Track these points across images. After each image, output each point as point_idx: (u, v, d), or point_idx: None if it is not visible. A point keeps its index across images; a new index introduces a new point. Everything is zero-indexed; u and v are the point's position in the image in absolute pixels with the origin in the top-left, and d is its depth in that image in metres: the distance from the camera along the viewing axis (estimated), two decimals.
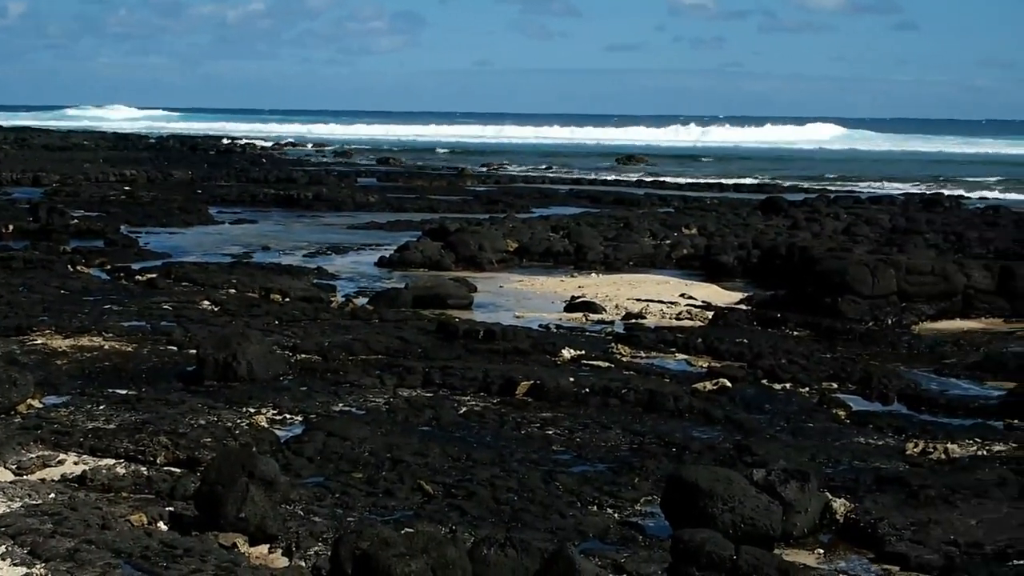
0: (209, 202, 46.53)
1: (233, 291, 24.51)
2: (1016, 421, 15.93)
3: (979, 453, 14.14)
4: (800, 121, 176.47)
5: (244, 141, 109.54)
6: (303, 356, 18.33)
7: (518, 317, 23.32)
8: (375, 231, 39.68)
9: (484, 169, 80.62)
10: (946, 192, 60.96)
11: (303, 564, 9.47)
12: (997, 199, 60.16)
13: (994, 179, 77.03)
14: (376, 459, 12.88)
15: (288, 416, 14.82)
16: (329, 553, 9.28)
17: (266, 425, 14.18)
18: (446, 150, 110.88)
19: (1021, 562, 10.49)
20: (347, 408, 15.32)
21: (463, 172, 73.99)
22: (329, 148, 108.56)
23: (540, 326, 22.08)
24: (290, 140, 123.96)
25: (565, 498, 11.79)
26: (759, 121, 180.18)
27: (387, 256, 31.64)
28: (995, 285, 25.19)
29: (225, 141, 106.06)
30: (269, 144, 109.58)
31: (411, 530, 9.32)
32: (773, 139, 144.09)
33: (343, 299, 24.78)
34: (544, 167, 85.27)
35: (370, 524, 10.40)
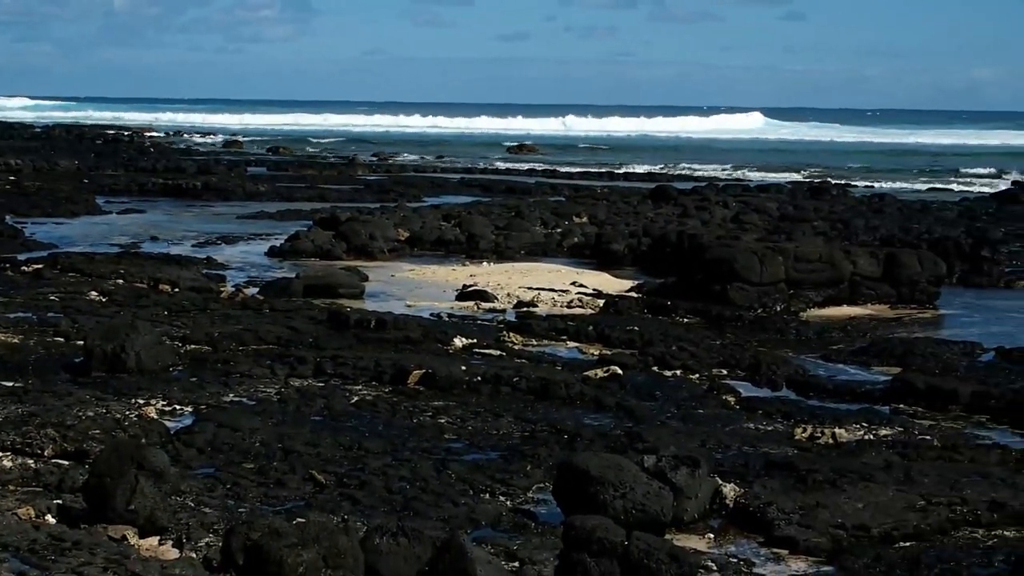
0: (96, 192, 45.86)
1: (121, 281, 24.21)
2: (902, 406, 16.18)
3: (866, 437, 14.33)
4: (686, 111, 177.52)
5: (132, 130, 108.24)
6: (193, 346, 18.18)
7: (410, 306, 23.28)
8: (265, 220, 39.42)
9: (375, 158, 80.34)
10: (833, 180, 61.65)
11: (194, 556, 9.38)
12: (883, 187, 60.97)
13: (876, 168, 77.99)
14: (267, 449, 12.80)
15: (178, 407, 14.69)
16: (220, 544, 9.22)
17: (155, 416, 14.03)
18: (337, 139, 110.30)
19: (906, 544, 10.66)
20: (238, 398, 15.21)
21: (354, 161, 73.67)
22: (219, 137, 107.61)
23: (432, 315, 22.07)
24: (179, 129, 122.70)
25: (457, 486, 11.79)
26: (649, 111, 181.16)
27: (277, 246, 31.43)
28: (881, 272, 25.53)
29: (111, 131, 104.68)
30: (158, 133, 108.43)
31: (302, 520, 9.27)
32: (676, 128, 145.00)
33: (233, 289, 24.58)
34: (436, 156, 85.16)
35: (261, 515, 10.35)
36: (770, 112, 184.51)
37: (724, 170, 74.60)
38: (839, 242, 31.46)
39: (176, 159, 66.38)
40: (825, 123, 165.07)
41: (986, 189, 59.65)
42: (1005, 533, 11.08)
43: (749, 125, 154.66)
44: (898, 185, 64.16)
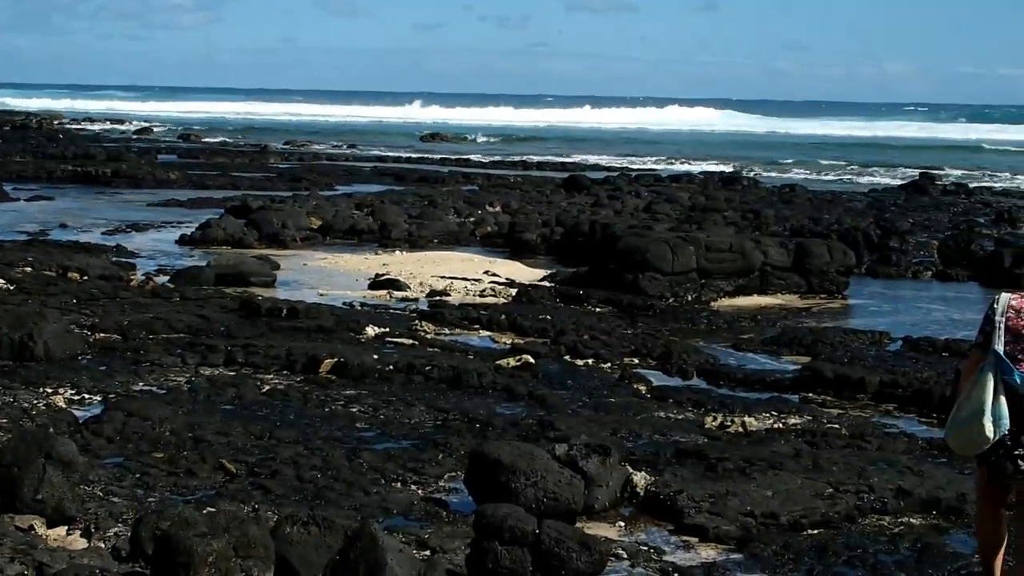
0: (3, 178, 45.29)
1: (29, 269, 23.92)
2: (810, 395, 16.33)
3: (775, 426, 14.46)
4: (599, 102, 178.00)
5: (41, 117, 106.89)
6: (102, 335, 18.01)
7: (322, 295, 23.20)
8: (176, 208, 39.15)
9: (287, 146, 79.95)
10: (744, 171, 62.09)
11: (102, 546, 9.30)
12: (792, 178, 61.46)
13: (786, 159, 78.62)
14: (177, 439, 12.70)
15: (87, 396, 14.55)
16: (129, 534, 9.16)
17: (64, 405, 13.90)
18: (250, 127, 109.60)
19: (815, 532, 10.76)
20: (148, 387, 15.10)
21: (266, 149, 73.32)
22: (129, 124, 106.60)
23: (344, 304, 22.02)
24: (89, 116, 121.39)
25: (369, 475, 11.77)
26: (564, 101, 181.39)
27: (188, 234, 31.23)
28: (791, 262, 25.76)
29: (19, 117, 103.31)
30: (67, 120, 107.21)
31: (213, 510, 9.22)
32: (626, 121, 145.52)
33: (143, 277, 24.40)
34: (349, 145, 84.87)
35: (171, 504, 10.29)
36: (684, 103, 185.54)
37: (655, 161, 74.83)
38: (750, 232, 31.68)
39: (86, 146, 65.64)
40: (741, 113, 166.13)
41: (895, 180, 60.24)
42: (911, 520, 11.21)
43: (692, 117, 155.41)
44: (808, 176, 64.69)
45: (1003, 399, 8.05)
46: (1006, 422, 8.03)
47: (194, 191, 45.22)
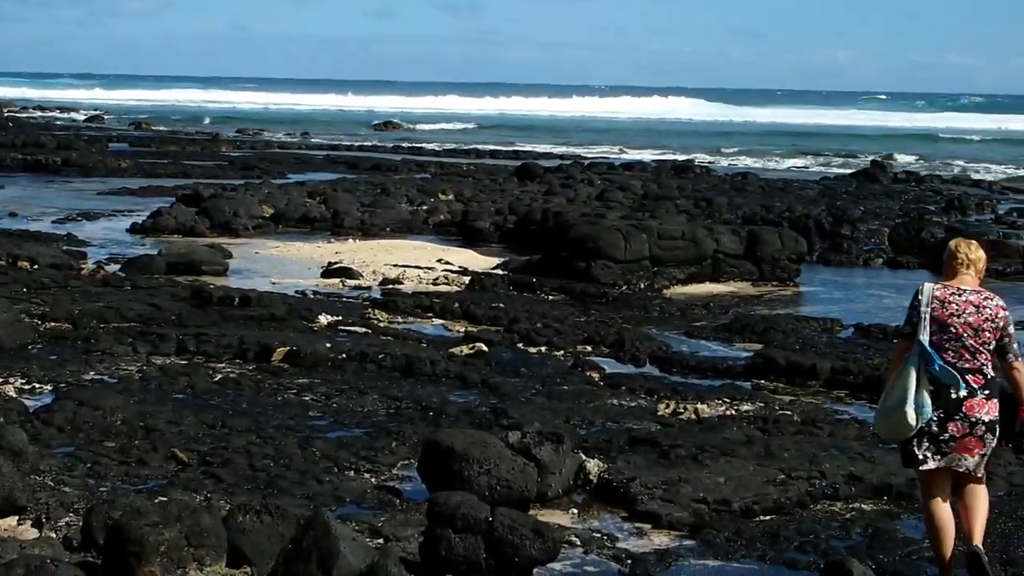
0: None
1: None
2: (763, 381, 16.40)
3: (727, 413, 14.51)
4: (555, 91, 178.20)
5: None
6: (52, 324, 17.91)
7: (274, 283, 23.13)
8: (127, 197, 38.94)
9: (239, 135, 79.64)
10: (697, 159, 62.25)
11: (53, 536, 9.25)
12: (747, 166, 61.69)
13: (739, 148, 78.88)
14: (129, 428, 12.65)
15: (37, 385, 14.47)
16: (80, 524, 9.10)
17: (14, 395, 13.79)
18: (202, 117, 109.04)
19: (767, 518, 10.80)
20: (99, 376, 15.02)
21: (218, 137, 73.00)
22: (80, 113, 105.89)
23: (296, 292, 21.97)
24: (39, 104, 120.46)
25: (322, 464, 11.74)
26: (522, 89, 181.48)
27: (140, 222, 31.09)
28: (743, 249, 25.85)
29: None
30: (17, 108, 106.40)
31: (164, 499, 9.19)
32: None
33: (94, 266, 24.26)
34: (301, 133, 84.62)
35: (122, 493, 10.24)
36: (638, 91, 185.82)
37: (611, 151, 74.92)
38: (702, 220, 31.76)
39: (36, 134, 65.10)
40: (695, 100, 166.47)
41: (846, 168, 60.52)
42: (863, 506, 11.28)
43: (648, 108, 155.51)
44: (760, 164, 64.93)
45: (926, 390, 8.38)
46: (928, 411, 8.37)
47: (145, 179, 45.02)
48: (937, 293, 8.56)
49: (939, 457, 8.51)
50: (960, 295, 8.58)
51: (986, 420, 8.50)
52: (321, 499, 10.60)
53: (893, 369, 8.71)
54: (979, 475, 8.67)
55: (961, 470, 8.58)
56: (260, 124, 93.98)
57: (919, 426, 8.41)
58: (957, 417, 8.46)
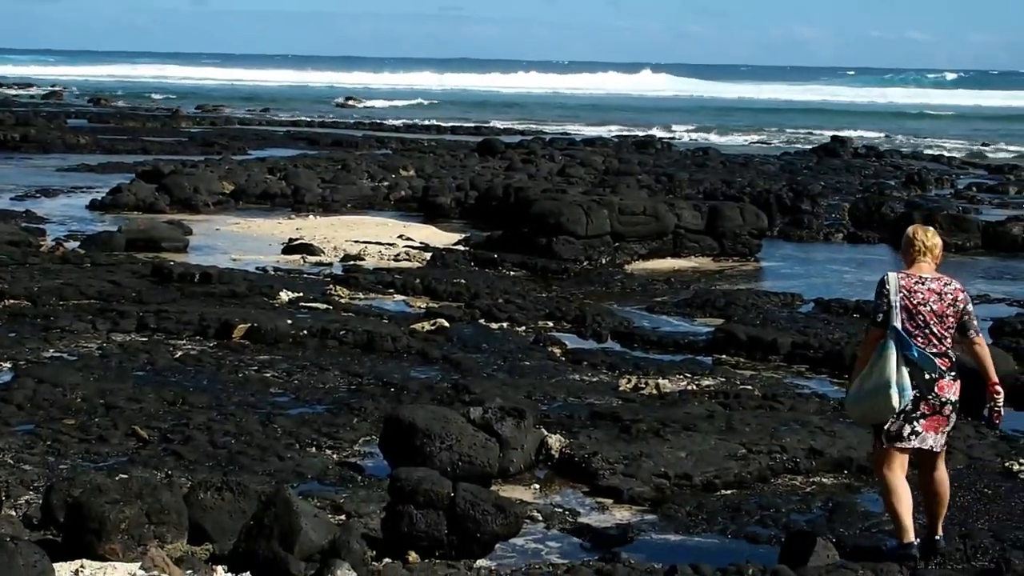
0: None
1: None
2: (724, 356, 16.43)
3: (689, 388, 14.54)
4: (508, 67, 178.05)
5: None
6: (11, 301, 17.79)
7: (235, 260, 23.05)
8: (86, 173, 38.72)
9: (199, 111, 79.28)
10: (658, 134, 62.30)
11: (13, 514, 9.20)
12: (708, 142, 61.77)
13: (699, 123, 78.96)
14: (89, 405, 12.58)
15: None
16: (41, 502, 9.05)
17: None
18: (163, 91, 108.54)
19: (728, 492, 10.84)
20: (58, 354, 14.94)
21: (177, 113, 72.67)
22: (38, 88, 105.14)
23: (257, 269, 21.89)
24: None
25: (283, 440, 11.72)
26: (485, 65, 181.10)
27: (99, 199, 30.94)
28: (704, 225, 25.89)
29: None
30: None
31: (125, 476, 9.15)
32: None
33: (53, 243, 24.12)
34: (262, 109, 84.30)
35: (83, 471, 10.20)
36: (599, 66, 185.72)
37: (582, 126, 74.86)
38: (663, 195, 31.79)
39: None
40: (656, 76, 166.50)
41: (807, 144, 60.67)
42: (823, 480, 11.33)
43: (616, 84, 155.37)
44: (721, 139, 65.03)
45: (906, 371, 8.68)
46: (909, 392, 8.69)
47: (104, 156, 44.75)
48: (903, 282, 8.88)
49: (914, 437, 8.81)
50: (923, 284, 8.88)
51: (952, 400, 8.88)
52: (282, 476, 10.58)
53: (864, 357, 8.97)
54: (939, 452, 8.98)
55: (925, 447, 8.85)
56: (220, 100, 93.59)
57: (902, 408, 8.71)
58: (930, 397, 8.79)
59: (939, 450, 8.96)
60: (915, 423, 8.81)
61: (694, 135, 68.69)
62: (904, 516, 8.85)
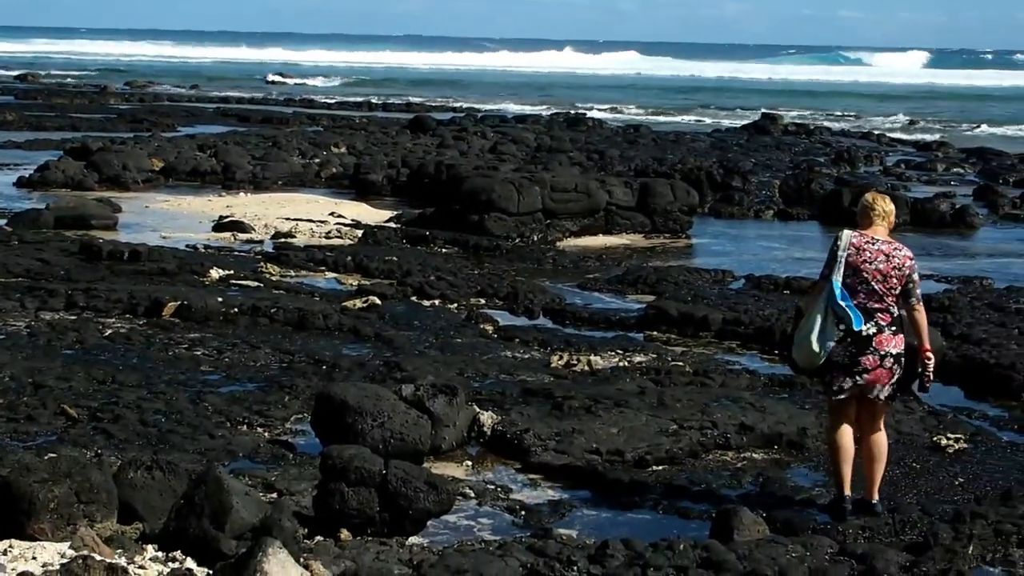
0: None
1: None
2: (655, 333, 16.49)
3: (620, 364, 14.58)
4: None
5: None
6: None
7: (165, 237, 22.90)
8: (13, 151, 38.27)
9: (128, 87, 78.61)
10: (589, 112, 62.37)
11: None
12: (640, 118, 61.89)
13: (632, 100, 79.11)
14: (17, 384, 12.45)
15: None
16: None
17: None
18: (92, 68, 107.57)
19: (659, 468, 10.89)
20: None
21: (106, 90, 72.04)
22: None
23: (187, 246, 21.76)
24: None
25: (214, 418, 11.66)
26: (417, 42, 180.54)
27: (26, 176, 30.62)
28: (635, 202, 25.95)
29: None
30: None
31: (54, 455, 9.07)
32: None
33: None
34: (191, 86, 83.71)
35: (11, 450, 10.12)
36: (517, 44, 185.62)
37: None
38: (595, 172, 31.85)
39: None
40: (581, 55, 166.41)
41: (737, 121, 60.91)
42: (754, 455, 11.41)
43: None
44: (652, 117, 65.19)
45: (831, 321, 9.31)
46: (830, 343, 9.30)
47: (32, 133, 44.29)
48: (854, 240, 9.42)
49: (851, 383, 9.40)
50: (874, 244, 9.44)
51: (894, 353, 9.42)
52: (213, 454, 10.53)
53: (805, 306, 9.64)
54: (879, 411, 9.62)
55: (872, 396, 9.48)
56: (149, 76, 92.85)
57: (823, 355, 9.32)
58: (868, 351, 9.33)
59: (883, 398, 9.55)
60: (857, 377, 9.37)
61: (624, 112, 68.73)
62: (844, 470, 9.51)
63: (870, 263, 9.36)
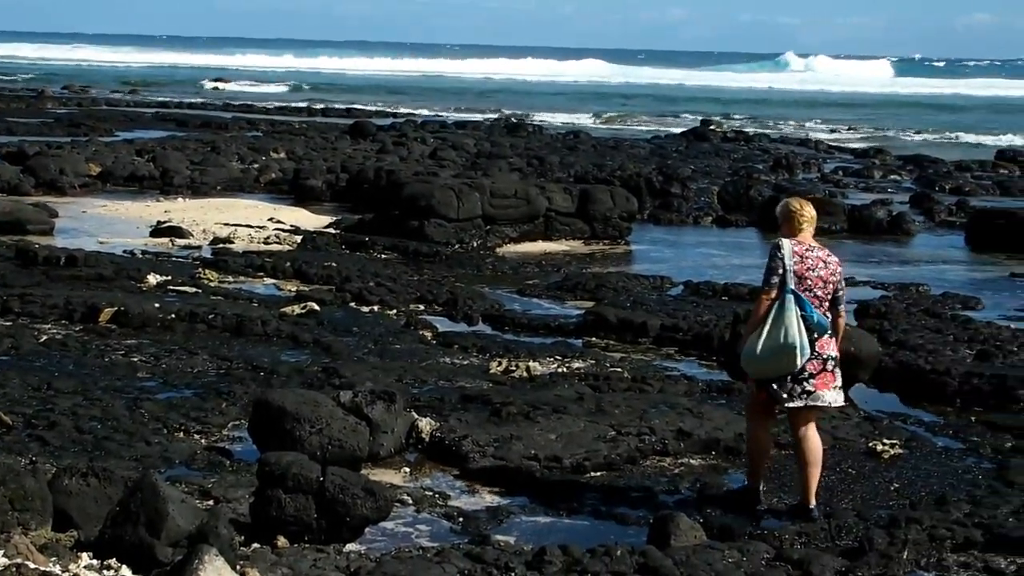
0: None
1: None
2: (594, 339, 16.53)
3: (559, 370, 14.60)
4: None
5: None
6: None
7: (102, 243, 22.75)
8: None
9: (66, 91, 78.06)
10: (530, 117, 62.47)
11: None
12: (580, 125, 62.05)
13: (574, 106, 79.27)
14: None
15: None
16: None
17: None
18: (29, 71, 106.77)
19: (598, 474, 10.91)
20: None
21: (43, 94, 71.47)
22: None
23: (125, 252, 21.63)
24: None
25: (151, 425, 11.58)
26: (358, 47, 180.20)
27: None
28: (575, 208, 26.01)
29: None
30: None
31: None
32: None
33: None
34: (130, 90, 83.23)
35: None
36: (465, 50, 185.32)
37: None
38: (534, 178, 31.90)
39: None
40: (519, 61, 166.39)
41: (677, 128, 61.12)
42: (691, 461, 11.45)
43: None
44: (592, 122, 65.37)
45: (805, 331, 9.44)
46: (808, 351, 9.42)
47: None
48: (796, 249, 9.58)
49: (804, 396, 9.59)
50: (811, 251, 9.66)
51: (832, 356, 9.68)
52: (150, 461, 10.47)
53: (757, 318, 9.62)
54: (812, 418, 9.85)
55: (823, 405, 9.76)
56: (88, 80, 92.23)
57: (801, 365, 9.48)
58: (812, 356, 9.50)
59: (835, 406, 9.98)
60: (805, 383, 9.54)
61: (565, 118, 68.84)
62: (759, 464, 9.93)
63: (812, 270, 9.57)
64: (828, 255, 9.75)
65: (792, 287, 9.45)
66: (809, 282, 9.53)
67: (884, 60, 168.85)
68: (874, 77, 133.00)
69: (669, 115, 73.72)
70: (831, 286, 9.64)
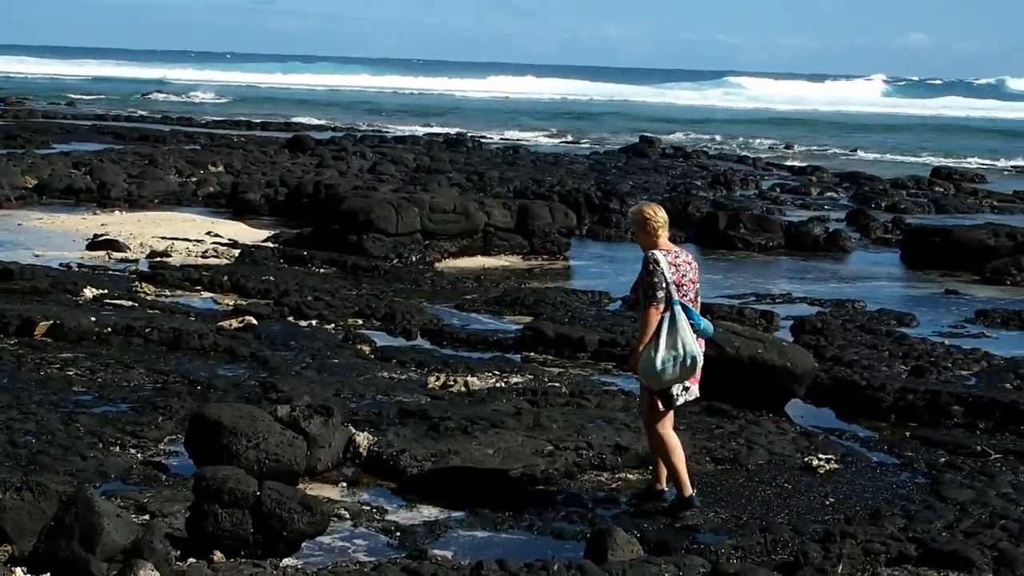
0: None
1: None
2: (532, 354, 16.55)
3: (497, 385, 14.61)
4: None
5: None
6: None
7: (37, 256, 22.60)
8: None
9: (1, 103, 77.46)
10: (469, 133, 62.49)
11: None
12: (518, 140, 62.14)
13: (511, 123, 79.36)
14: None
15: None
16: None
17: None
18: None
19: (534, 488, 10.93)
20: None
21: None
22: None
23: (61, 265, 21.49)
24: None
25: (86, 439, 11.52)
26: (298, 61, 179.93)
27: None
28: (514, 223, 26.05)
29: None
30: None
31: None
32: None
33: None
34: (67, 103, 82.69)
35: None
36: (409, 66, 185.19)
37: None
38: (474, 193, 31.91)
39: None
40: (457, 76, 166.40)
41: (615, 144, 61.28)
42: (628, 476, 11.48)
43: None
44: (531, 138, 65.48)
45: (696, 340, 9.86)
46: (702, 357, 9.95)
47: None
48: (669, 259, 9.92)
49: (685, 393, 10.03)
50: (679, 257, 10.04)
51: (702, 353, 10.03)
52: (85, 475, 10.40)
53: (648, 332, 9.86)
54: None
55: (692, 399, 10.28)
56: (23, 92, 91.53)
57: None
58: None
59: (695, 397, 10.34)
60: (687, 382, 9.98)
61: (504, 134, 68.93)
62: (681, 467, 10.08)
63: (685, 276, 10.00)
64: (689, 256, 10.24)
65: (676, 298, 9.79)
66: (685, 288, 9.94)
67: (829, 81, 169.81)
68: (815, 96, 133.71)
69: (609, 131, 73.86)
70: (697, 285, 10.13)
